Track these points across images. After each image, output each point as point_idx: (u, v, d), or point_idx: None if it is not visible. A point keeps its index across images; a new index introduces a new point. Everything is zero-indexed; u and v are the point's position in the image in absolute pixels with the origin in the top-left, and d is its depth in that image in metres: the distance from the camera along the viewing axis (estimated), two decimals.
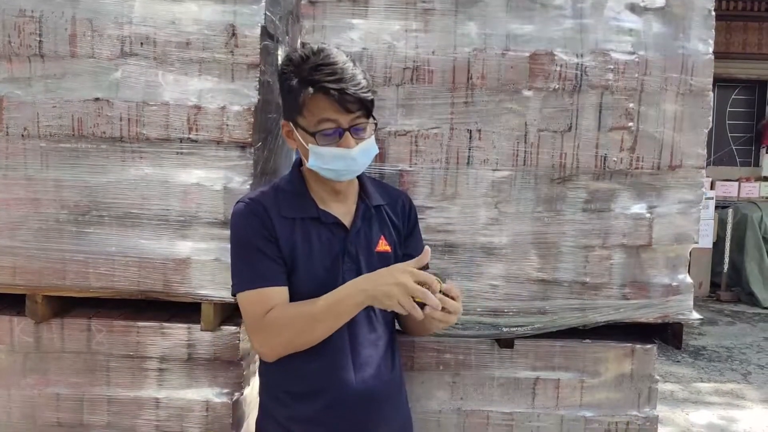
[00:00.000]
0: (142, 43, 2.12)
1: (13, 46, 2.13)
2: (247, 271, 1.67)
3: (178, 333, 2.22)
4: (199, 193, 2.15)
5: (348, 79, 1.59)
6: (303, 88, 1.60)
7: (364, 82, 1.62)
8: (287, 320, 1.63)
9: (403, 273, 1.51)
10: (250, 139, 2.13)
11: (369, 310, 1.74)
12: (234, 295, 1.70)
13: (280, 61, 2.44)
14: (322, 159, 1.65)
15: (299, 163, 1.80)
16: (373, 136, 1.71)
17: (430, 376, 2.26)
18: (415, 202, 2.12)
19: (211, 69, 2.14)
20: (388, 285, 1.51)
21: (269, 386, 1.82)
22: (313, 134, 1.63)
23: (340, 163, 1.65)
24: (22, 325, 2.24)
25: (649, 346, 2.28)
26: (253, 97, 2.14)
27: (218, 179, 2.16)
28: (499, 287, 2.20)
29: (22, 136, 2.16)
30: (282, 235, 1.68)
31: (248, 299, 1.66)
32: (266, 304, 1.64)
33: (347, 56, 1.65)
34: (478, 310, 2.19)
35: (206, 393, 2.25)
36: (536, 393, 2.28)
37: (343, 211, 1.76)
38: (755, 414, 4.68)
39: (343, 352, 1.71)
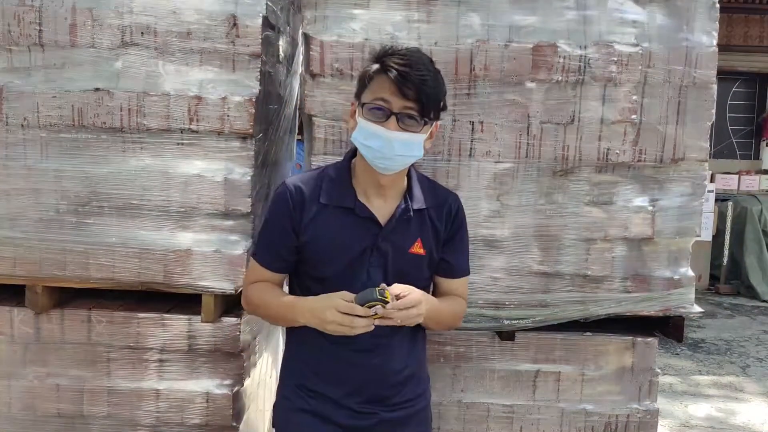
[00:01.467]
0: (142, 33, 2.11)
1: (12, 35, 2.12)
2: (261, 244, 1.83)
3: (178, 324, 2.22)
4: (199, 184, 2.14)
5: (414, 66, 1.63)
6: (372, 65, 1.69)
7: (429, 77, 1.65)
8: (257, 300, 1.81)
9: (329, 309, 1.61)
10: (251, 130, 2.12)
11: None
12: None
13: (281, 52, 2.44)
14: (363, 133, 1.68)
15: (352, 153, 1.82)
16: (423, 137, 1.70)
17: (431, 368, 2.24)
18: None
19: (212, 59, 2.12)
20: (320, 315, 1.63)
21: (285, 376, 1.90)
22: (363, 106, 1.68)
23: (376, 141, 1.66)
24: (22, 316, 2.24)
25: (649, 339, 2.28)
26: (254, 87, 2.13)
27: (219, 170, 2.15)
28: (501, 280, 2.19)
29: (22, 126, 2.15)
30: (310, 221, 1.74)
31: (251, 264, 1.87)
32: (255, 277, 1.83)
33: (431, 61, 1.71)
34: (480, 302, 2.19)
35: (206, 384, 2.24)
36: (537, 386, 2.28)
37: (383, 207, 1.77)
38: (754, 407, 4.69)
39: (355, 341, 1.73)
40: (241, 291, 2.19)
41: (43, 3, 2.11)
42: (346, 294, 1.63)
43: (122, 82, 2.13)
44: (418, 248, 1.79)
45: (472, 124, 2.13)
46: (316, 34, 2.10)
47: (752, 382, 5.20)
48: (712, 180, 8.28)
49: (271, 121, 2.35)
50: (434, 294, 1.88)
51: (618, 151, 2.15)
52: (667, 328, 2.30)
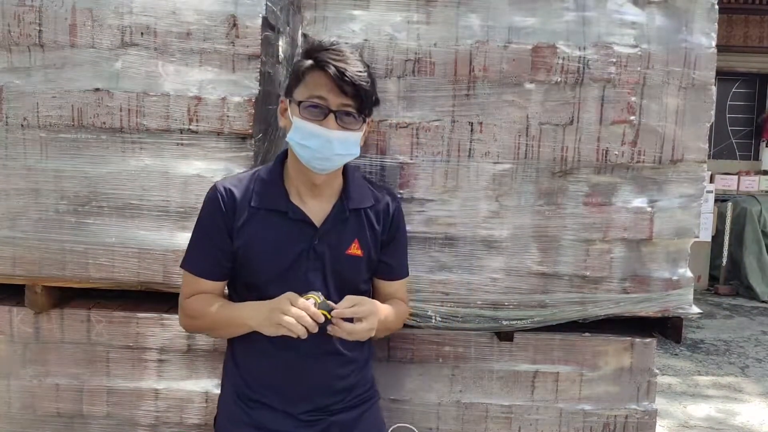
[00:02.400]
0: (142, 33, 2.11)
1: (12, 35, 2.12)
2: (193, 252, 1.76)
3: (177, 324, 2.21)
4: (199, 185, 2.14)
5: (349, 62, 1.61)
6: (305, 60, 1.65)
7: (365, 73, 1.63)
8: (200, 312, 1.71)
9: (277, 306, 1.57)
10: (250, 131, 2.13)
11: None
12: (180, 266, 1.80)
13: (281, 52, 2.44)
14: (300, 133, 1.64)
15: (284, 155, 1.78)
16: (360, 135, 1.70)
17: (429, 369, 2.27)
18: (416, 195, 2.13)
19: (212, 60, 2.13)
20: (267, 316, 1.58)
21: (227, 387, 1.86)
22: (299, 104, 1.64)
23: (315, 141, 1.63)
24: (21, 316, 2.24)
25: (648, 339, 2.28)
26: (254, 88, 2.13)
27: (218, 170, 2.15)
28: (499, 280, 2.19)
29: (22, 126, 2.15)
30: (243, 225, 1.69)
31: (184, 277, 1.78)
32: (192, 289, 1.74)
33: (361, 57, 1.70)
34: (478, 303, 2.19)
35: (205, 384, 2.25)
36: (535, 386, 2.28)
37: (318, 208, 1.74)
38: (752, 407, 4.70)
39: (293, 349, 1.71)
40: None
41: (43, 3, 2.11)
42: (293, 294, 1.60)
43: (122, 82, 2.13)
44: (355, 249, 1.75)
45: (471, 125, 2.14)
46: (315, 34, 2.10)
47: (751, 382, 5.21)
48: (711, 180, 8.28)
49: (270, 122, 2.35)
50: (374, 296, 1.85)
51: (617, 152, 2.15)
52: (666, 328, 2.30)
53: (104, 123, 2.13)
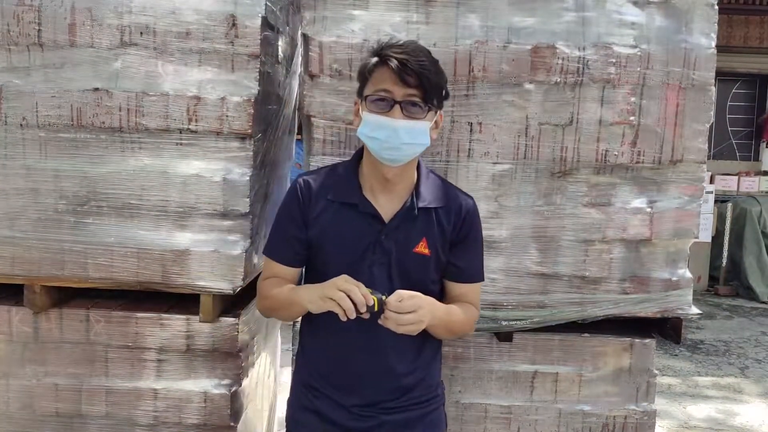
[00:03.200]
0: (141, 33, 2.11)
1: (12, 35, 2.12)
2: (273, 240, 1.85)
3: (176, 324, 2.22)
4: (198, 184, 2.14)
5: (412, 54, 1.65)
6: (370, 59, 1.71)
7: (428, 64, 1.66)
8: (269, 293, 1.81)
9: (328, 286, 1.63)
10: (249, 131, 2.12)
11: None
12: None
13: (280, 52, 2.44)
14: (368, 126, 1.69)
15: (361, 150, 1.82)
16: (427, 124, 1.71)
17: None
18: None
19: (211, 59, 2.12)
20: (318, 294, 1.64)
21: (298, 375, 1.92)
22: (366, 98, 1.69)
23: (382, 132, 1.66)
24: (20, 315, 2.24)
25: (647, 340, 2.28)
26: (253, 88, 2.13)
27: (218, 170, 2.15)
28: (499, 281, 2.19)
29: (21, 125, 2.15)
30: (318, 217, 1.77)
31: (264, 261, 1.88)
32: (269, 272, 1.84)
33: (429, 51, 1.72)
34: None
35: (204, 384, 2.25)
36: (534, 386, 2.28)
37: (389, 204, 1.76)
38: (752, 408, 4.70)
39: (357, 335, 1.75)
40: (239, 290, 2.20)
41: (42, 3, 2.11)
42: (347, 276, 1.64)
43: (121, 82, 2.13)
44: (422, 248, 1.76)
45: (471, 125, 2.14)
46: (315, 34, 2.10)
47: (751, 383, 5.21)
48: (711, 181, 8.28)
49: (270, 122, 2.35)
50: (444, 299, 1.84)
51: (616, 153, 2.15)
52: (665, 329, 2.31)
53: (103, 123, 2.13)
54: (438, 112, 1.75)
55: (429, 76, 1.65)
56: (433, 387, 1.88)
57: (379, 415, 1.78)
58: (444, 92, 1.74)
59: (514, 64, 2.11)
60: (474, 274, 1.87)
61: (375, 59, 1.69)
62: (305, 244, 1.79)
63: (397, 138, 1.66)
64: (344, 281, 1.60)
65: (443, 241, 1.79)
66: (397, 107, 1.65)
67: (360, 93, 1.75)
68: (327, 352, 1.82)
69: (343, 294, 1.57)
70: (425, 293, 1.70)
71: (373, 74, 1.69)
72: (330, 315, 1.61)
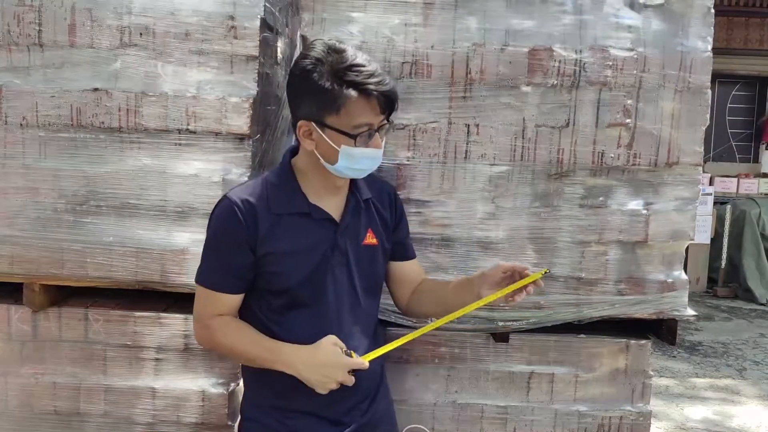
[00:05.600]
0: (141, 34, 2.12)
1: (12, 35, 2.13)
2: (210, 268, 1.71)
3: (175, 323, 2.23)
4: (197, 185, 2.15)
5: (384, 81, 1.60)
6: (343, 89, 1.57)
7: (392, 83, 1.64)
8: (226, 339, 1.69)
9: (336, 370, 1.60)
10: (248, 131, 2.13)
11: (354, 300, 1.76)
12: (195, 281, 1.74)
13: (279, 53, 2.44)
14: (352, 159, 1.63)
15: (290, 156, 1.77)
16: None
17: (426, 369, 2.28)
18: (412, 196, 2.15)
19: (210, 60, 2.13)
20: (323, 377, 1.60)
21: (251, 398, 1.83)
22: (352, 136, 1.60)
23: (368, 162, 1.66)
24: (19, 314, 2.25)
25: (643, 341, 2.29)
26: (252, 89, 2.14)
27: (216, 171, 2.16)
28: None
29: (21, 125, 2.16)
30: (266, 232, 1.66)
31: (202, 294, 1.72)
32: (215, 307, 1.70)
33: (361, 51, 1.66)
34: None
35: (202, 383, 2.26)
36: (531, 387, 2.29)
37: (334, 204, 1.75)
38: (750, 410, 4.71)
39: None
40: None
41: (42, 3, 2.12)
42: (333, 338, 1.63)
43: (121, 82, 2.14)
44: (370, 238, 1.78)
45: (468, 127, 2.15)
46: (313, 36, 2.11)
47: (749, 385, 5.22)
48: (711, 183, 8.30)
49: (268, 122, 2.36)
50: (393, 281, 1.91)
51: (612, 155, 2.16)
52: (661, 330, 2.32)
53: (103, 123, 2.14)
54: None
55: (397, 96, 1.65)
56: (385, 378, 1.93)
57: (357, 419, 1.77)
58: None
59: (511, 67, 2.12)
60: (413, 249, 1.95)
61: (353, 92, 1.56)
62: (253, 268, 1.67)
63: (379, 161, 1.69)
64: (345, 372, 1.61)
65: (385, 227, 1.83)
66: (377, 134, 1.64)
67: (318, 117, 1.61)
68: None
69: (352, 377, 1.61)
70: (377, 285, 1.80)
71: (348, 106, 1.57)
72: (290, 333, 1.67)
